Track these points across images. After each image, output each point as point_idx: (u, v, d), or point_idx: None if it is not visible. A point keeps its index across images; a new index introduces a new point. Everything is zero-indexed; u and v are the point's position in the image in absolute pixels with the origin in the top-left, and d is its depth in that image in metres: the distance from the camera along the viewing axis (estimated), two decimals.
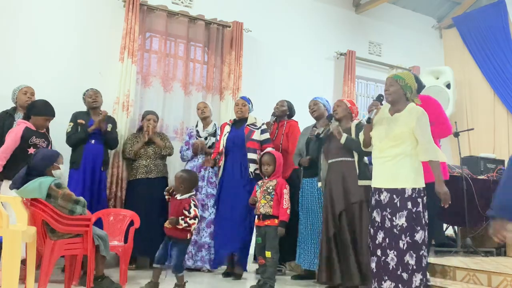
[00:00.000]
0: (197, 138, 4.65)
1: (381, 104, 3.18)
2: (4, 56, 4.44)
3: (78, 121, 4.19)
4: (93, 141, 4.21)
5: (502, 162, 5.21)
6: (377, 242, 2.98)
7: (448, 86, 6.67)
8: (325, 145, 3.74)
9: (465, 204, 4.25)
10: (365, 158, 3.59)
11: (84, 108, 4.39)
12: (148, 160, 4.50)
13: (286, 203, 3.58)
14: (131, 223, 3.72)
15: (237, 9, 5.71)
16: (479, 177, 4.72)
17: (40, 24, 4.64)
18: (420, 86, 3.61)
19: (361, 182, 3.47)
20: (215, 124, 4.77)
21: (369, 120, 3.12)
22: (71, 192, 3.04)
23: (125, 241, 3.67)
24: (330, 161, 3.65)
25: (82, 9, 4.88)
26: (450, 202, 2.90)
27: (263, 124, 4.32)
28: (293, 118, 4.70)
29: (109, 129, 4.33)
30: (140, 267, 4.43)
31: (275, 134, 4.50)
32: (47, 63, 4.61)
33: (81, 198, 3.06)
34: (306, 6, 6.38)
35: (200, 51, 5.50)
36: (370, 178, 3.36)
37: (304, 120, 4.53)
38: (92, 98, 4.31)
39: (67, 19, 4.79)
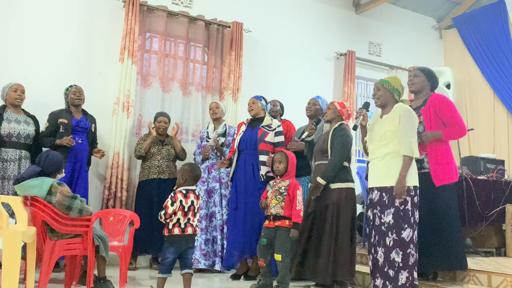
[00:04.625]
0: (207, 141, 4.64)
1: (367, 111, 3.24)
2: (4, 56, 4.43)
3: (60, 120, 4.06)
4: (80, 140, 4.12)
5: (502, 162, 5.22)
6: (372, 240, 3.03)
7: (448, 86, 6.67)
8: (313, 147, 3.86)
9: (465, 204, 4.25)
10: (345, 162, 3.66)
11: (62, 99, 4.30)
12: (161, 161, 4.51)
13: (299, 204, 3.42)
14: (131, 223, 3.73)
15: (237, 10, 5.72)
16: (479, 177, 4.72)
17: (40, 25, 4.64)
18: (436, 82, 3.63)
19: (334, 185, 3.54)
20: (225, 125, 4.71)
21: (355, 128, 3.22)
22: (69, 190, 3.02)
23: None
24: (315, 163, 3.77)
25: (82, 10, 4.88)
26: (404, 197, 2.91)
27: (278, 126, 4.23)
28: (293, 117, 4.73)
29: (92, 129, 4.29)
30: (140, 268, 4.43)
31: None
32: (47, 63, 4.61)
33: (78, 195, 3.03)
34: (306, 7, 6.39)
35: (200, 52, 5.50)
36: (348, 181, 3.56)
37: (304, 120, 4.54)
38: (76, 95, 4.21)
39: (67, 19, 4.79)
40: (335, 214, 3.50)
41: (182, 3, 5.47)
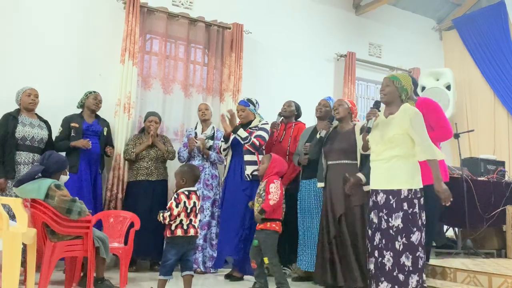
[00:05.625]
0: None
1: (379, 111, 3.18)
2: (5, 58, 4.44)
3: (72, 124, 4.16)
4: (91, 143, 4.18)
5: (502, 163, 5.22)
6: (375, 243, 2.99)
7: (448, 87, 6.67)
8: (327, 146, 3.72)
9: (465, 206, 4.25)
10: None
11: (73, 105, 4.36)
12: (150, 162, 4.50)
13: (271, 196, 3.41)
14: (131, 225, 3.72)
15: (237, 11, 5.72)
16: (479, 178, 4.72)
17: (40, 26, 4.64)
18: (415, 84, 3.61)
19: (366, 187, 3.40)
20: (213, 127, 4.75)
21: (369, 130, 3.10)
22: (68, 194, 3.01)
23: (126, 243, 3.67)
24: (330, 162, 3.63)
25: (83, 11, 4.88)
26: (451, 200, 2.87)
27: (265, 123, 4.21)
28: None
29: (105, 132, 4.33)
30: (140, 269, 4.43)
31: (282, 136, 4.46)
32: (47, 65, 4.61)
33: (76, 198, 3.02)
34: (306, 8, 6.39)
35: (200, 53, 5.50)
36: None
37: (305, 121, 4.54)
38: (96, 101, 4.34)
39: (68, 21, 4.79)
40: (367, 215, 3.35)
41: (182, 4, 5.48)
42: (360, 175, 3.42)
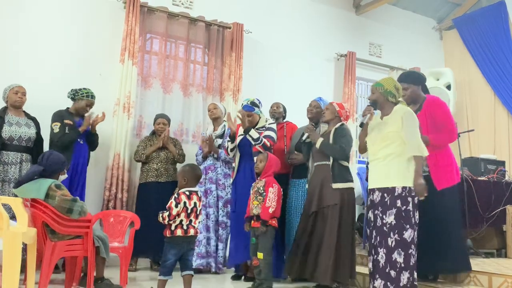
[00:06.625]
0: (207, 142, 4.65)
1: (375, 109, 3.22)
2: (5, 57, 4.43)
3: (65, 121, 4.07)
4: (81, 141, 4.17)
5: (502, 163, 5.22)
6: (372, 241, 3.02)
7: (449, 87, 6.67)
8: (313, 148, 3.82)
9: (465, 206, 4.24)
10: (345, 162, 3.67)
11: (62, 100, 4.27)
12: (159, 164, 4.50)
13: (269, 202, 3.53)
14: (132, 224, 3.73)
15: (237, 11, 5.72)
16: (479, 178, 4.72)
17: (40, 25, 4.65)
18: (423, 80, 3.63)
19: (336, 185, 3.55)
20: (224, 126, 4.68)
21: (361, 125, 3.21)
22: (68, 193, 3.02)
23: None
24: (315, 164, 3.76)
25: (83, 11, 4.88)
26: (426, 195, 2.91)
27: (272, 123, 4.17)
28: (293, 119, 4.71)
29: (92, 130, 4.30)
30: (140, 269, 4.43)
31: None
32: (47, 64, 4.61)
33: (77, 198, 3.03)
34: (306, 8, 6.39)
35: (201, 53, 5.50)
36: (349, 181, 3.58)
37: (304, 121, 4.53)
38: (88, 106, 4.24)
39: (68, 20, 4.79)
40: (337, 214, 3.51)
41: (182, 4, 5.48)
42: (320, 139, 3.63)
